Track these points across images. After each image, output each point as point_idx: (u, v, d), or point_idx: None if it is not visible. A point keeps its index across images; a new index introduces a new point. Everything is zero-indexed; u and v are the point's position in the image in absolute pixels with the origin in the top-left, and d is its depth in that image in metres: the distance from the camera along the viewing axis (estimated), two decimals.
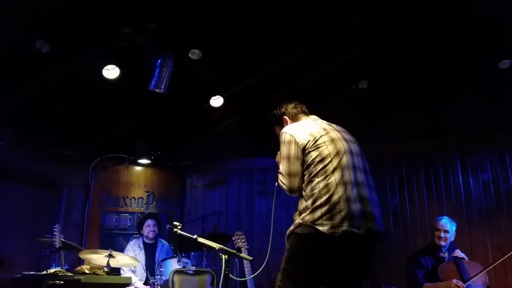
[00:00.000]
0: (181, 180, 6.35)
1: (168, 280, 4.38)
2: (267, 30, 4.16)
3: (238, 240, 4.56)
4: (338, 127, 2.60)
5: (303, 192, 2.37)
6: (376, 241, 2.37)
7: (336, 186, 2.27)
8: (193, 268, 4.40)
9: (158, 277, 4.44)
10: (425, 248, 4.34)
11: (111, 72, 4.20)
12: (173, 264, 4.62)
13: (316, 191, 2.29)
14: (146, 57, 4.17)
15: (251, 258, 3.06)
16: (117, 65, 4.18)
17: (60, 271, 3.07)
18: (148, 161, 5.90)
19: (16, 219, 4.98)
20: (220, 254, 2.79)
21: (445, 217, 4.23)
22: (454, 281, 3.80)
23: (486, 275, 3.93)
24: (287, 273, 2.27)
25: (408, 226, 4.97)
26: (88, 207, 5.64)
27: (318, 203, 2.25)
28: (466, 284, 3.79)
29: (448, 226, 4.14)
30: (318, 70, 4.51)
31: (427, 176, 5.00)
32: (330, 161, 2.34)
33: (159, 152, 5.79)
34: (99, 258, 3.77)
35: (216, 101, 4.90)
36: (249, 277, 4.26)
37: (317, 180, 2.31)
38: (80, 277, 2.97)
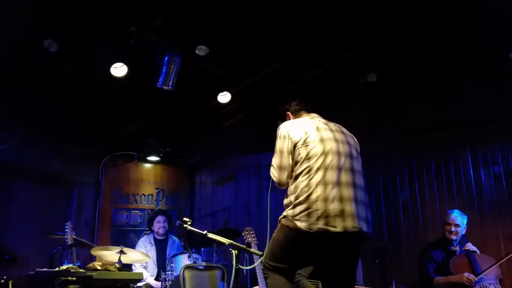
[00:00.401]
0: (190, 176, 6.37)
1: (179, 275, 4.41)
2: (274, 26, 4.14)
3: (248, 236, 4.56)
4: (335, 127, 2.66)
5: (289, 187, 2.52)
6: (357, 240, 2.44)
7: (316, 185, 2.38)
8: (204, 263, 4.42)
9: (169, 272, 4.47)
10: (436, 241, 4.30)
11: (119, 70, 4.22)
12: (184, 260, 4.65)
13: (299, 188, 2.42)
14: (153, 54, 4.19)
15: (261, 253, 3.06)
16: (124, 63, 4.20)
17: (72, 267, 3.08)
18: (157, 158, 5.92)
19: (28, 217, 5.03)
20: (230, 249, 2.80)
21: (455, 210, 4.18)
22: (466, 274, 3.77)
23: (499, 268, 3.88)
24: (271, 252, 2.52)
25: (418, 220, 4.92)
26: (99, 204, 5.68)
27: (298, 200, 2.39)
28: (478, 277, 3.75)
29: (459, 219, 4.10)
30: (326, 64, 4.49)
31: (438, 169, 4.94)
32: (316, 160, 2.44)
33: (167, 149, 5.81)
34: (110, 254, 3.80)
35: (224, 97, 4.89)
36: (258, 270, 4.27)
37: (301, 178, 2.44)
38: (92, 273, 2.99)
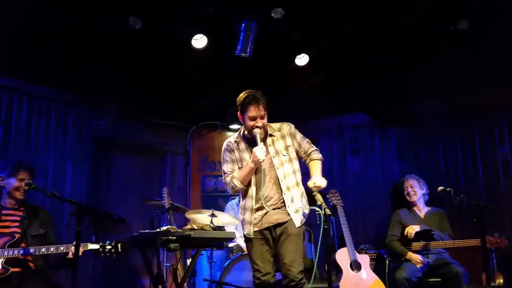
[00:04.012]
0: None
1: None
2: None
3: (333, 198, 4.57)
4: None
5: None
6: None
7: None
8: None
9: None
10: None
11: (199, 41, 4.33)
12: None
13: None
14: (231, 22, 4.21)
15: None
16: (204, 34, 4.30)
17: (171, 228, 3.33)
18: (239, 126, 6.06)
19: (127, 185, 5.48)
20: (317, 210, 2.83)
21: None
22: None
23: None
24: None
25: None
26: (189, 172, 6.05)
27: None
28: None
29: None
30: (411, 12, 4.15)
31: None
32: None
33: None
34: (203, 217, 4.02)
35: (301, 60, 4.82)
36: (346, 231, 4.28)
37: None
38: (190, 233, 3.22)
